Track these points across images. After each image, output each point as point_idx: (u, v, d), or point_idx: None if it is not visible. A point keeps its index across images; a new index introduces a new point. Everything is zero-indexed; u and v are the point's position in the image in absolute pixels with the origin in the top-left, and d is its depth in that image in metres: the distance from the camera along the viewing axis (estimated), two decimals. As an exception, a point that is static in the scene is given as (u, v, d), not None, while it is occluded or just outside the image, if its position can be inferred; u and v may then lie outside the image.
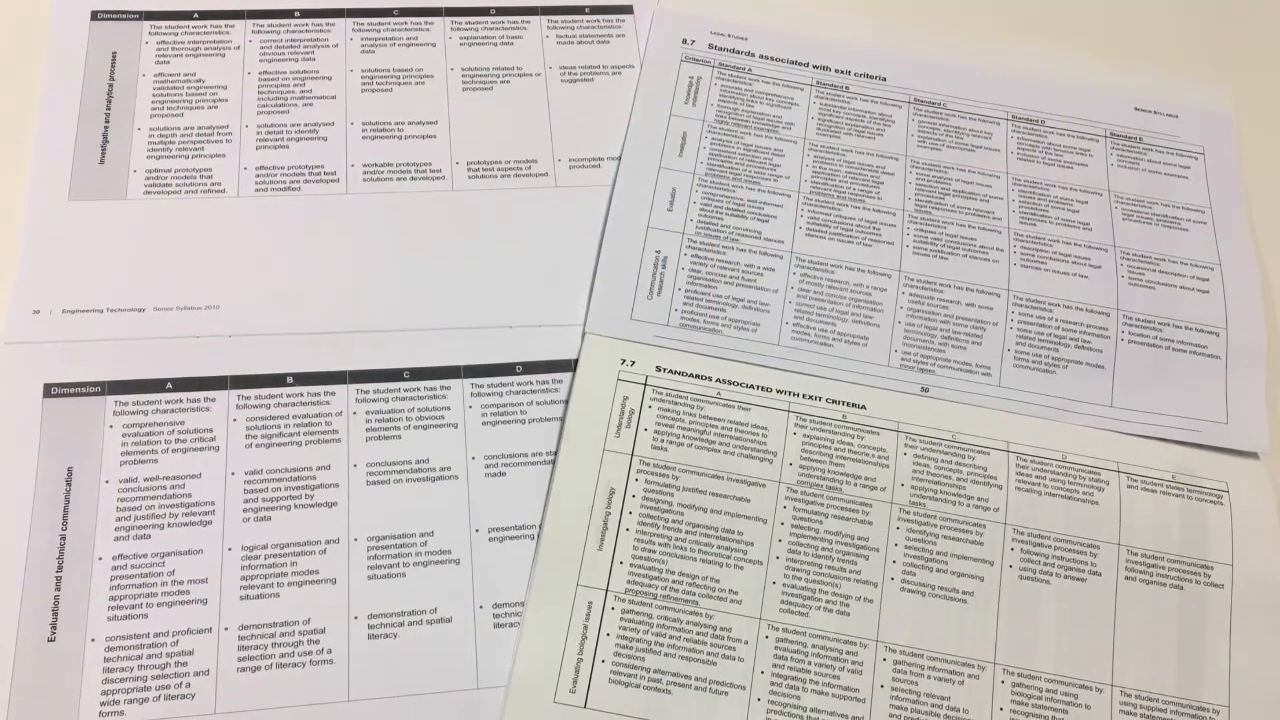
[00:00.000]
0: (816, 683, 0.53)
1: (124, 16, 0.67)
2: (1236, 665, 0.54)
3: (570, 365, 0.60)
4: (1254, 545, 0.57)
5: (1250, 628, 0.55)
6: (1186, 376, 0.62)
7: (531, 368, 0.59)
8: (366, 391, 0.58)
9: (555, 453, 0.57)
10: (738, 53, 0.70)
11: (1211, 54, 0.74)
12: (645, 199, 0.64)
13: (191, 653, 0.52)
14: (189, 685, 0.51)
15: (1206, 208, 0.67)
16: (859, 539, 0.56)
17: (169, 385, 0.57)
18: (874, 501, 0.57)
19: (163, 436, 0.56)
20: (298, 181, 0.63)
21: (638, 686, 0.52)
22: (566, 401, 0.59)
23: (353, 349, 0.59)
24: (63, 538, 0.53)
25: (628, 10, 0.71)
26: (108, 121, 0.64)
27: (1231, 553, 0.57)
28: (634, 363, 0.59)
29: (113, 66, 0.66)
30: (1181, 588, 0.56)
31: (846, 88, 0.70)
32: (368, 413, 0.57)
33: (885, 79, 0.70)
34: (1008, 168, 0.67)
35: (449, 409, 0.58)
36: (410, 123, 0.66)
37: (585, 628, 0.53)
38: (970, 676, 0.53)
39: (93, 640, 0.51)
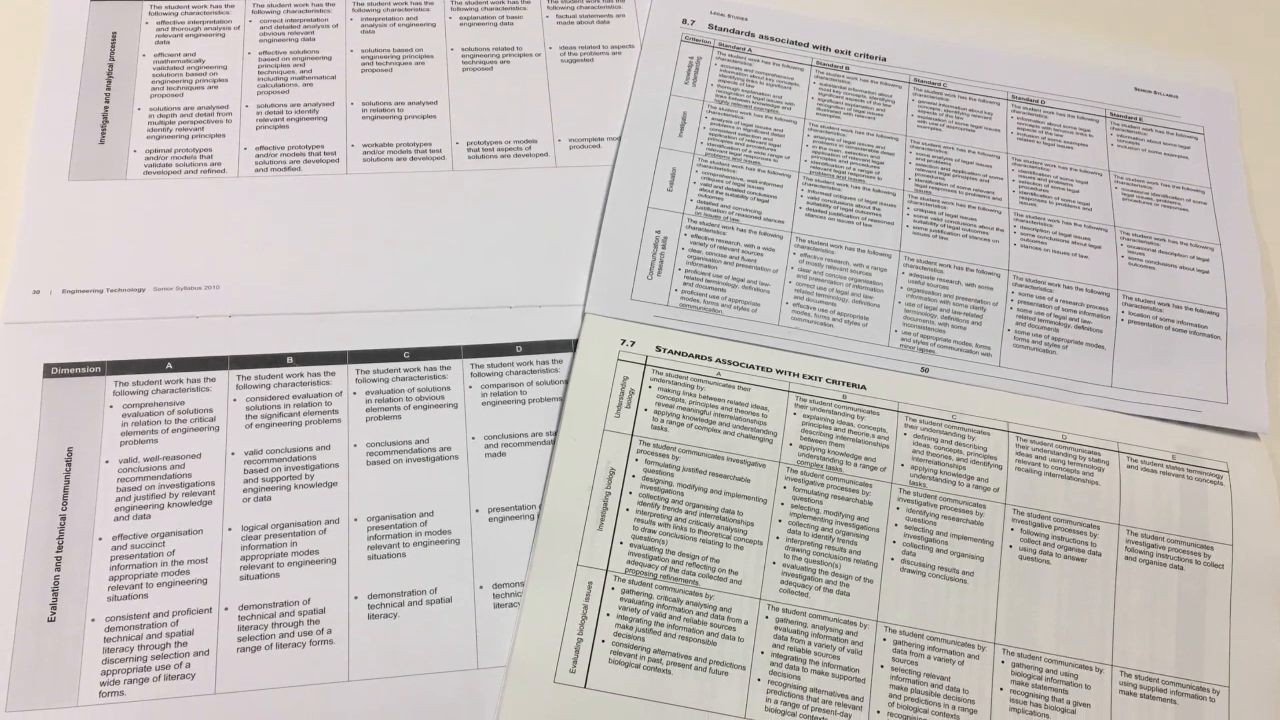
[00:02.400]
0: (816, 663, 0.51)
1: (124, -4, 0.65)
2: (1236, 645, 0.53)
3: (570, 345, 0.58)
4: (1254, 525, 0.55)
5: (1250, 608, 0.54)
6: (1187, 356, 0.60)
7: (531, 348, 0.58)
8: (366, 371, 0.56)
9: (555, 433, 0.56)
10: (738, 33, 0.68)
11: (1211, 34, 0.72)
12: (645, 179, 0.63)
13: (191, 633, 0.50)
14: (189, 665, 0.50)
15: (1206, 188, 0.65)
16: (859, 519, 0.54)
17: (169, 365, 0.56)
18: (874, 482, 0.55)
19: (163, 416, 0.54)
20: (298, 161, 0.62)
21: (638, 666, 0.51)
22: (566, 382, 0.57)
23: (353, 329, 0.57)
24: (63, 518, 0.52)
25: (628, -10, 0.69)
26: (108, 101, 0.62)
27: (1231, 533, 0.55)
28: (634, 343, 0.58)
29: (112, 47, 0.64)
30: (1181, 568, 0.54)
31: (847, 68, 0.68)
32: (368, 393, 0.56)
33: (885, 59, 0.68)
34: (1008, 148, 0.66)
35: (449, 389, 0.56)
36: (410, 103, 0.64)
37: (585, 608, 0.52)
38: (970, 656, 0.52)
39: (93, 620, 0.50)
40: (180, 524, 0.52)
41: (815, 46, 0.68)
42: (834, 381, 0.58)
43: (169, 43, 0.64)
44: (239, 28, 0.65)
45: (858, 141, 0.65)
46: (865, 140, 0.65)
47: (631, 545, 0.53)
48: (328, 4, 0.66)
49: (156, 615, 0.51)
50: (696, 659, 0.51)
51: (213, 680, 0.50)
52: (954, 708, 0.51)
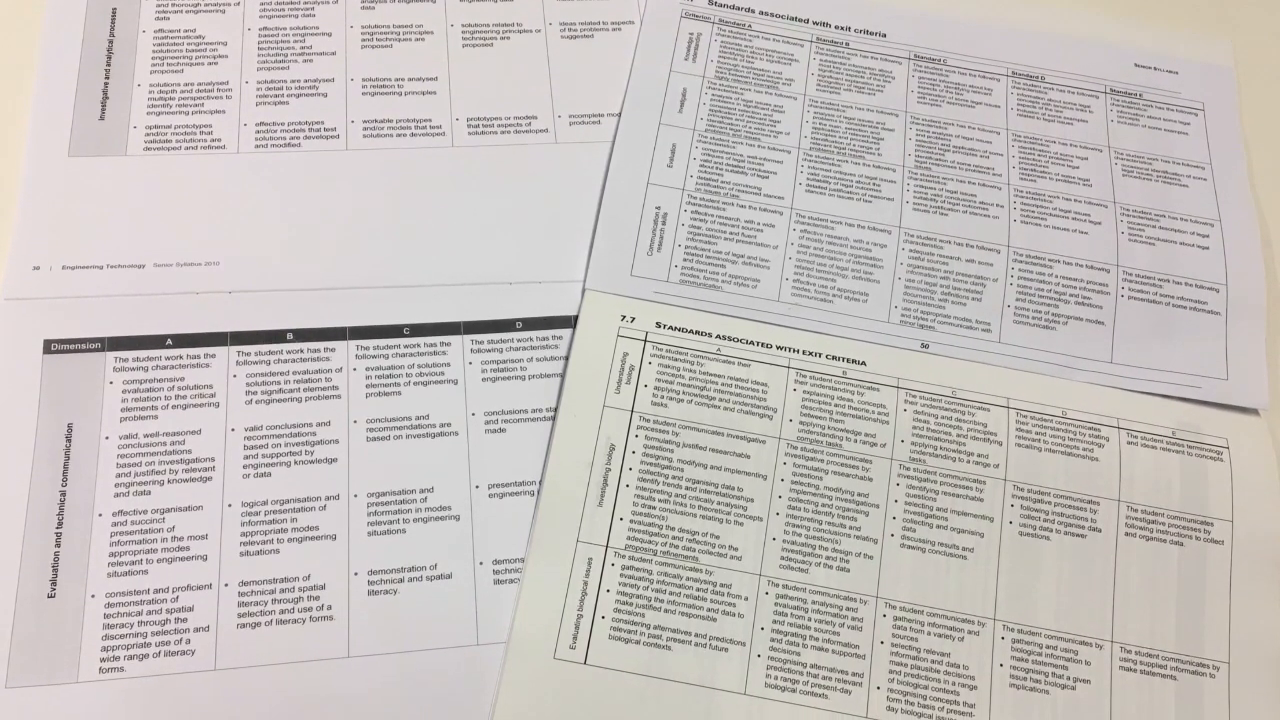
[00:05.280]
0: (816, 639, 0.49)
1: (124, -28, 0.63)
2: (1236, 621, 0.51)
3: (570, 321, 0.56)
4: (1254, 501, 0.53)
5: (1250, 584, 0.52)
6: (1187, 332, 0.58)
7: (531, 324, 0.56)
8: (366, 348, 0.54)
9: (555, 409, 0.54)
10: (737, 9, 0.66)
11: (1211, 10, 0.69)
12: (645, 155, 0.60)
13: (191, 609, 0.49)
14: (189, 641, 0.48)
15: (1206, 164, 0.63)
16: (859, 495, 0.52)
17: (169, 341, 0.54)
18: (874, 458, 0.53)
19: (163, 393, 0.52)
20: (298, 137, 0.59)
21: (638, 643, 0.49)
22: (566, 358, 0.55)
23: (353, 305, 0.55)
24: (63, 494, 0.50)
25: (628, -34, 0.67)
26: (108, 78, 0.60)
27: (1232, 509, 0.53)
28: (634, 319, 0.56)
29: (113, 23, 0.62)
30: (1181, 544, 0.52)
31: (846, 44, 0.65)
32: (368, 369, 0.54)
33: (885, 35, 0.66)
34: (1008, 124, 0.63)
35: (449, 365, 0.54)
36: (410, 79, 0.62)
37: (585, 584, 0.50)
38: (970, 633, 0.50)
39: (93, 596, 0.48)
40: (180, 500, 0.50)
41: (815, 23, 0.66)
42: (834, 358, 0.56)
43: (169, 19, 0.62)
44: (239, 4, 0.63)
45: (858, 117, 0.63)
46: (865, 116, 0.63)
47: (631, 521, 0.51)
48: (327, -20, 0.64)
49: (156, 591, 0.49)
50: (696, 635, 0.49)
51: (213, 656, 0.48)
52: (954, 683, 0.49)
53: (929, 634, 0.50)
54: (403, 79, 0.62)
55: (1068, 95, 0.64)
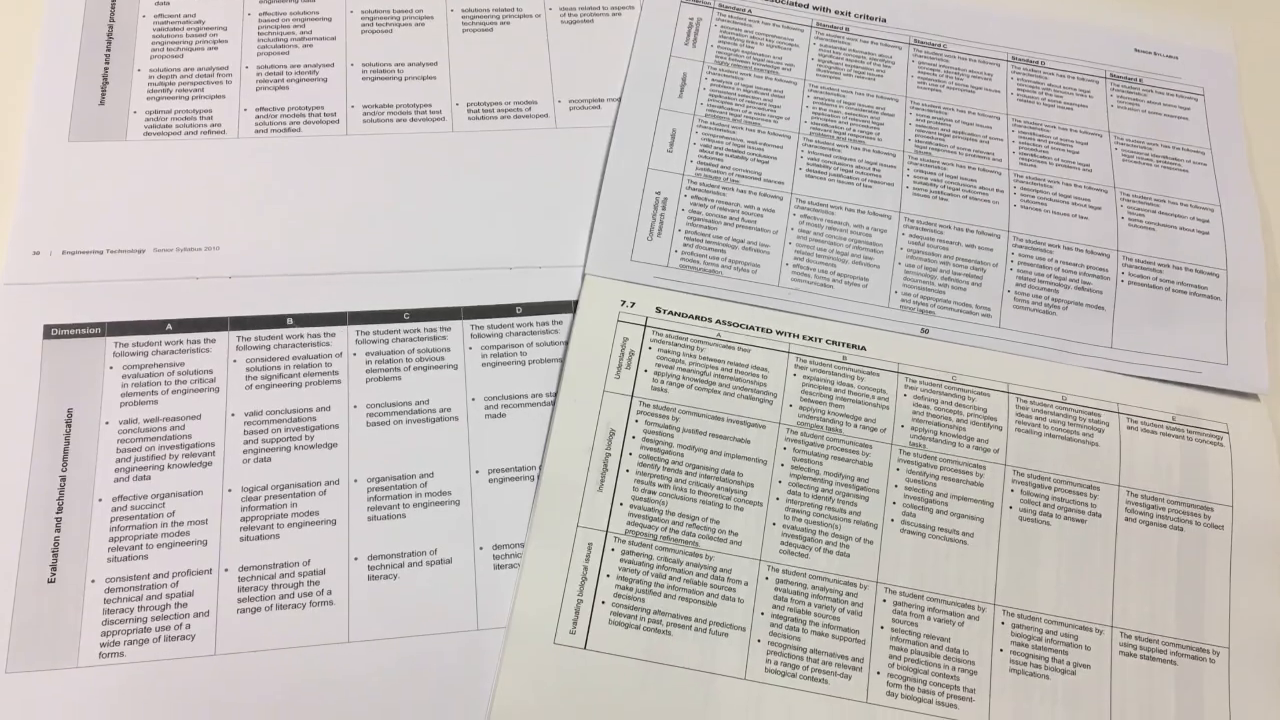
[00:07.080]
0: (816, 624, 0.48)
1: (123, -43, 0.61)
2: (1236, 606, 0.50)
3: (570, 306, 0.55)
4: (1254, 486, 0.52)
5: (1250, 569, 0.50)
6: (1187, 317, 0.56)
7: (531, 309, 0.54)
8: (366, 333, 0.53)
9: (555, 394, 0.52)
10: (738, -6, 0.64)
11: (1211, -5, 0.68)
12: (645, 140, 0.59)
13: (191, 594, 0.47)
14: (189, 626, 0.47)
15: (1206, 149, 0.61)
16: (859, 480, 0.51)
17: (169, 326, 0.52)
18: (874, 443, 0.52)
19: (163, 378, 0.51)
20: (298, 123, 0.58)
21: (638, 628, 0.48)
22: (566, 343, 0.54)
23: (353, 290, 0.54)
24: (63, 479, 0.49)
25: (628, -48, 0.65)
26: (108, 63, 0.59)
27: (1231, 494, 0.52)
28: (634, 304, 0.54)
29: (113, 7, 0.60)
30: (1181, 529, 0.51)
31: (846, 29, 0.64)
32: (368, 354, 0.53)
33: (885, 20, 0.64)
34: (1008, 109, 0.62)
35: (449, 350, 0.53)
36: (410, 64, 0.60)
37: (585, 569, 0.48)
38: (970, 618, 0.49)
39: (93, 581, 0.47)
40: (180, 485, 0.49)
41: (815, 8, 0.64)
42: (834, 342, 0.54)
43: (169, 3, 0.61)
44: (239, -12, 0.61)
45: (858, 103, 0.61)
46: (865, 101, 0.61)
47: (631, 506, 0.50)
48: (327, -35, 0.62)
49: (156, 576, 0.47)
50: (696, 620, 0.48)
51: (213, 641, 0.47)
52: (954, 669, 0.48)
53: (929, 619, 0.49)
54: (403, 64, 0.60)
55: (1068, 80, 0.63)
